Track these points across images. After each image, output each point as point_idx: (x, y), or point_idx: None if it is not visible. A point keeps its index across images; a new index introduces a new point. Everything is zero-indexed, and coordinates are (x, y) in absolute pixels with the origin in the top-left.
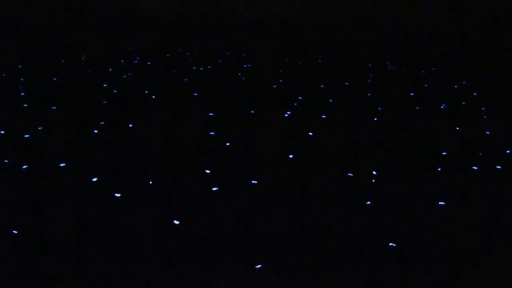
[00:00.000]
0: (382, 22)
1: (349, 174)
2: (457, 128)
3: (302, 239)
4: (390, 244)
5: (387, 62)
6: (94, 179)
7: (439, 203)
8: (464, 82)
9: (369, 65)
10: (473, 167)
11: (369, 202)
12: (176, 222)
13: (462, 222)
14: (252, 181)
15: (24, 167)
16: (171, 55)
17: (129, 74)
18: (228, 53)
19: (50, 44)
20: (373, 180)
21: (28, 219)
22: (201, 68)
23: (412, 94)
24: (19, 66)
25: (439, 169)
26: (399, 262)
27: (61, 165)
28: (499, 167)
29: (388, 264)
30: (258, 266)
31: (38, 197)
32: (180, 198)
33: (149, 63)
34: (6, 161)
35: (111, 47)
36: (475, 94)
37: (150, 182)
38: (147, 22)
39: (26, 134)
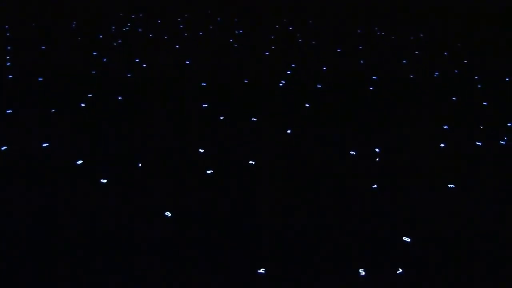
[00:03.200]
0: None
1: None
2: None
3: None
4: (404, 238)
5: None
6: (79, 162)
7: (449, 185)
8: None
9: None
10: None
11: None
12: (168, 213)
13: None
14: (250, 162)
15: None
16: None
17: (120, 41)
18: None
19: (39, 11)
20: (377, 159)
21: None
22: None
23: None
24: (7, 34)
25: (442, 145)
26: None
27: (44, 145)
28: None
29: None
30: (262, 270)
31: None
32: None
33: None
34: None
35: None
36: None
37: (140, 165)
38: None
39: (8, 110)
